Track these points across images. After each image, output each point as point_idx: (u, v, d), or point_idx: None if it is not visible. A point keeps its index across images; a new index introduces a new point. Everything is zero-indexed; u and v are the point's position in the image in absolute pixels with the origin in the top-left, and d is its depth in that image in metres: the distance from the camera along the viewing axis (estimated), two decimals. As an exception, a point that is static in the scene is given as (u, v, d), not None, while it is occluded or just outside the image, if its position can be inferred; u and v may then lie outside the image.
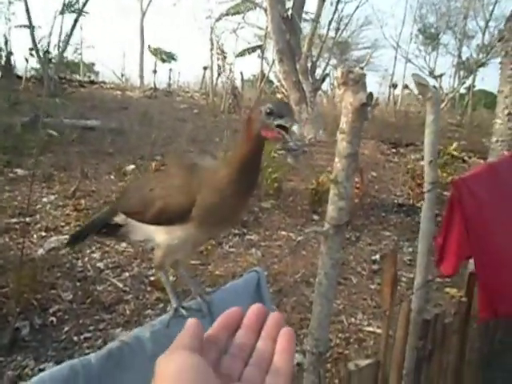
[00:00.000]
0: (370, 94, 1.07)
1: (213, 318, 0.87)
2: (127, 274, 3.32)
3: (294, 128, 0.79)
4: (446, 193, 5.87)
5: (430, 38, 22.22)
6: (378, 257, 3.98)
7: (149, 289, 3.13)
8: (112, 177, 5.44)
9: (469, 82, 18.91)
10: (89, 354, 2.50)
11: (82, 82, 14.56)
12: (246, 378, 0.43)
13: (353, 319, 3.03)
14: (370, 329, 2.94)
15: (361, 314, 3.09)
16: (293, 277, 3.49)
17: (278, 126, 0.79)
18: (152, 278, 3.19)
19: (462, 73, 20.88)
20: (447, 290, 3.40)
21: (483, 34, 18.22)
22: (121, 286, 3.13)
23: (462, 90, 20.84)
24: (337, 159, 1.12)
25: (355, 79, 1.06)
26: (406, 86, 17.31)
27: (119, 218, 1.05)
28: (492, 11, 17.70)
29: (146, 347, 0.71)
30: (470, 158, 9.15)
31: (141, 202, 0.96)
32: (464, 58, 21.02)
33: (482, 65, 18.57)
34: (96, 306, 2.87)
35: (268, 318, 0.48)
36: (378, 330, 2.91)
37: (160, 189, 0.94)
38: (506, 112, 1.92)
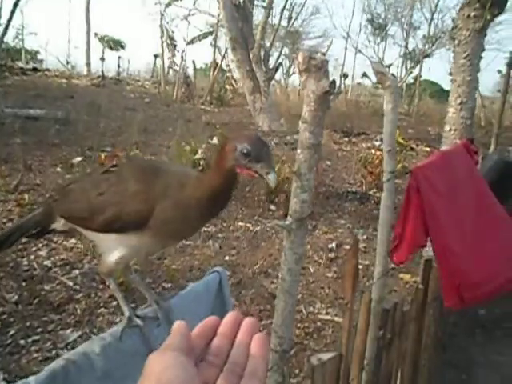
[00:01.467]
0: (333, 82, 1.02)
1: (170, 325, 0.80)
2: (77, 271, 3.16)
3: (271, 177, 0.75)
4: (396, 181, 6.05)
5: (379, 29, 22.75)
6: (334, 245, 4.02)
7: (101, 286, 2.99)
8: (58, 169, 5.18)
9: (415, 72, 19.56)
10: (37, 358, 2.34)
11: (25, 69, 13.79)
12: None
13: (311, 308, 3.03)
14: (328, 317, 2.96)
15: (319, 303, 3.11)
16: (251, 268, 3.46)
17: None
18: (104, 275, 3.05)
19: (408, 63, 21.56)
20: (401, 276, 3.48)
21: (429, 25, 18.83)
22: (70, 284, 2.98)
23: (409, 80, 21.55)
24: (299, 150, 1.07)
25: (317, 65, 1.01)
26: (364, 75, 17.64)
27: (58, 224, 0.94)
28: (437, 2, 18.31)
29: (96, 365, 0.63)
30: (417, 145, 9.48)
31: (87, 208, 0.85)
32: (410, 49, 21.71)
33: (428, 55, 19.22)
34: (44, 306, 2.72)
35: (242, 324, 0.49)
36: (336, 319, 2.94)
37: (112, 193, 0.84)
38: (459, 101, 1.95)
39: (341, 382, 1.52)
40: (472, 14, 1.85)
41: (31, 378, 0.58)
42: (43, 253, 3.33)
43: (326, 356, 1.45)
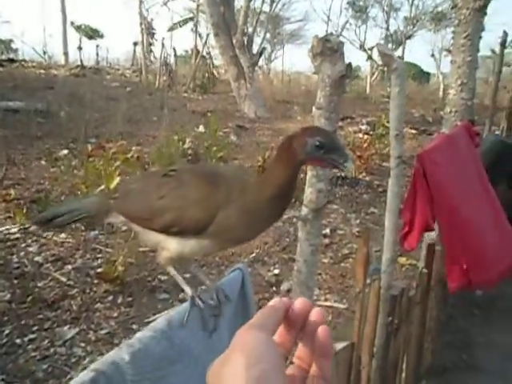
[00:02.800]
0: (349, 65, 0.98)
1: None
2: (70, 266, 3.09)
3: (348, 165, 0.76)
4: (385, 163, 6.04)
5: (360, 11, 22.68)
6: (328, 231, 4.01)
7: (96, 281, 2.93)
8: (43, 162, 5.04)
9: (398, 54, 19.57)
10: (35, 356, 2.28)
11: (0, 60, 13.39)
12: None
13: (309, 295, 3.02)
14: (328, 303, 2.96)
15: (317, 290, 3.10)
16: (247, 257, 3.43)
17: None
18: (99, 270, 2.98)
19: (390, 45, 21.58)
20: (398, 259, 3.49)
21: (410, 6, 18.82)
22: (64, 280, 2.91)
23: (392, 63, 21.55)
24: (315, 137, 1.03)
25: (333, 48, 0.96)
26: (369, 57, 17.47)
27: (115, 219, 0.93)
28: (418, -17, 18.31)
29: (126, 375, 0.59)
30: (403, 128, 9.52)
31: (147, 210, 0.85)
32: (392, 31, 21.72)
33: (409, 37, 19.25)
34: (38, 304, 2.65)
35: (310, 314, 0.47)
36: (336, 305, 2.94)
37: (173, 198, 0.82)
38: (459, 82, 1.92)
39: (353, 370, 1.51)
40: (472, -8, 1.82)
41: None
42: (33, 249, 3.24)
43: (338, 346, 1.43)
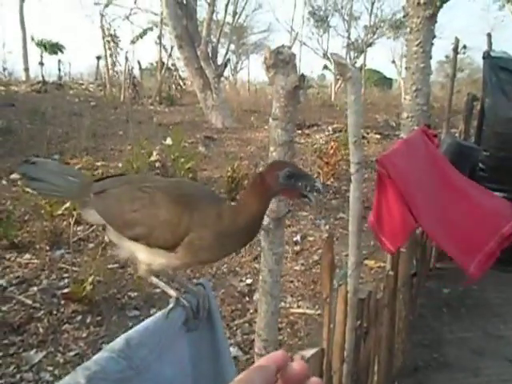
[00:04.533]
0: (302, 76, 0.99)
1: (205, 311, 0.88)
2: (35, 288, 2.99)
3: (317, 184, 0.83)
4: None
5: (320, 21, 23.14)
6: (298, 238, 4.04)
7: (63, 302, 2.85)
8: (4, 182, 4.89)
9: (360, 61, 20.04)
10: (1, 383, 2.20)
11: (-44, 77, 12.96)
12: None
13: (282, 303, 3.03)
14: (300, 310, 2.97)
15: (290, 297, 3.11)
16: (219, 268, 3.41)
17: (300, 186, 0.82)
18: (66, 290, 2.90)
19: (352, 53, 22.07)
20: (365, 262, 3.54)
21: (370, 15, 19.32)
22: (30, 302, 2.82)
23: (355, 70, 22.03)
24: (272, 148, 1.04)
25: (285, 60, 0.98)
26: (325, 67, 17.77)
27: (92, 216, 0.94)
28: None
29: (83, 397, 0.58)
30: (367, 133, 9.71)
31: (120, 218, 0.88)
32: (353, 39, 22.23)
33: (370, 45, 19.74)
34: (3, 328, 2.55)
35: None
36: (308, 311, 2.95)
37: (143, 215, 0.86)
38: (414, 88, 1.98)
39: (324, 376, 1.52)
40: (422, 1, 1.89)
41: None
42: (-4, 272, 3.13)
43: (308, 352, 1.43)
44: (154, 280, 0.91)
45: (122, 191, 0.92)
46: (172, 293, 0.86)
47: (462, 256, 1.72)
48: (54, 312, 2.75)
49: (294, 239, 4.01)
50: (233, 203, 0.96)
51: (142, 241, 0.87)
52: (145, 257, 0.88)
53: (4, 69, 15.99)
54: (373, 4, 19.35)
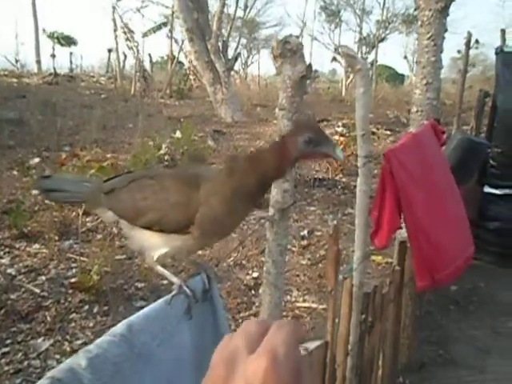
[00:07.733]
0: (309, 66, 0.99)
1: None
2: (43, 277, 3.03)
3: (338, 152, 0.81)
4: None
5: (332, 15, 22.97)
6: (306, 232, 4.03)
7: (70, 291, 2.87)
8: (15, 172, 4.94)
9: (371, 57, 19.86)
10: (8, 371, 2.23)
11: (-31, 69, 13.10)
12: None
13: (288, 297, 3.03)
14: (306, 304, 2.97)
15: (296, 291, 3.11)
16: (225, 261, 3.42)
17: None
18: (73, 280, 2.93)
19: (364, 48, 21.89)
20: (373, 257, 3.53)
21: (382, 9, 19.13)
22: (38, 291, 2.85)
23: (366, 66, 21.87)
24: (278, 139, 1.03)
25: (292, 49, 0.97)
26: (334, 59, 17.67)
27: (105, 214, 0.98)
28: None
29: (84, 380, 0.59)
30: (378, 129, 9.64)
31: (132, 208, 0.92)
32: (365, 34, 22.04)
33: (382, 40, 19.55)
34: (11, 316, 2.58)
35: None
36: (314, 305, 2.95)
37: (154, 201, 0.89)
38: (424, 82, 1.96)
39: (327, 369, 1.52)
40: (434, -6, 1.87)
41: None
42: (5, 260, 3.17)
43: (312, 345, 1.43)
44: (160, 269, 0.93)
45: (131, 185, 0.96)
46: (175, 280, 0.87)
47: (431, 265, 1.69)
48: (62, 301, 2.77)
49: (301, 234, 4.00)
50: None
51: (156, 227, 0.89)
52: (160, 243, 0.90)
53: (16, 61, 16.12)
54: (385, -2, 19.17)
